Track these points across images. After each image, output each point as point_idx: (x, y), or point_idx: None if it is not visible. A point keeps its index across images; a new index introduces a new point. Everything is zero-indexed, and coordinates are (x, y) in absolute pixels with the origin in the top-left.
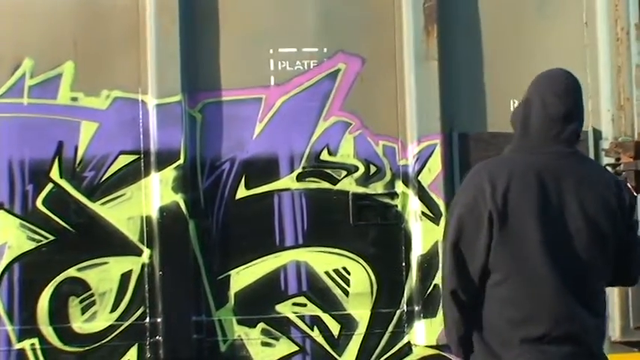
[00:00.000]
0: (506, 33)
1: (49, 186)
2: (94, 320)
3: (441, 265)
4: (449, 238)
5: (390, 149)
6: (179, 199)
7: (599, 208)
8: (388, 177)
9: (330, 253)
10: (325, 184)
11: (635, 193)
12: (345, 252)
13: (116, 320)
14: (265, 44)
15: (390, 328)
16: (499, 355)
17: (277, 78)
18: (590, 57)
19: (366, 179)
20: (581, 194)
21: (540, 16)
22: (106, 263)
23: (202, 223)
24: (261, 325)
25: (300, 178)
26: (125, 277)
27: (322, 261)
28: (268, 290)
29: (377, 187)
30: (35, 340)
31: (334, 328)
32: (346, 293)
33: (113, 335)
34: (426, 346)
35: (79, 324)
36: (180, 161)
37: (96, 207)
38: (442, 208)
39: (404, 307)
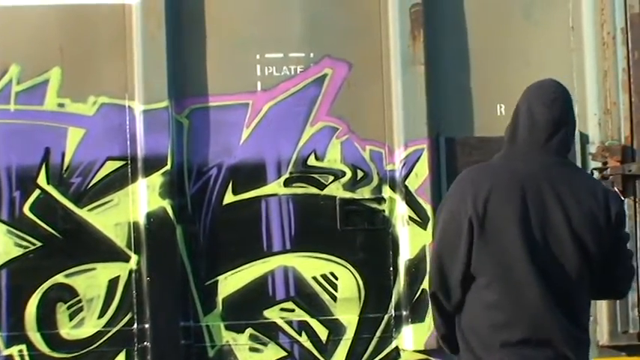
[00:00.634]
0: (493, 37)
1: (36, 192)
2: (81, 326)
3: (429, 271)
4: (434, 244)
5: (377, 154)
6: (166, 204)
7: (584, 220)
8: (375, 182)
9: (317, 258)
10: (312, 190)
11: (622, 198)
12: (333, 257)
13: (104, 326)
14: (252, 50)
15: (378, 333)
16: (481, 358)
17: (264, 83)
18: (576, 61)
19: (353, 184)
20: (565, 204)
21: (527, 21)
22: (93, 269)
23: (190, 228)
24: (249, 331)
25: (287, 183)
26: (113, 283)
27: (310, 266)
28: (256, 296)
29: (364, 192)
30: (23, 347)
31: (322, 333)
32: (334, 298)
33: (101, 341)
34: (414, 351)
35: (67, 330)
36: (168, 167)
37: (83, 213)
38: (429, 212)
39: (392, 311)
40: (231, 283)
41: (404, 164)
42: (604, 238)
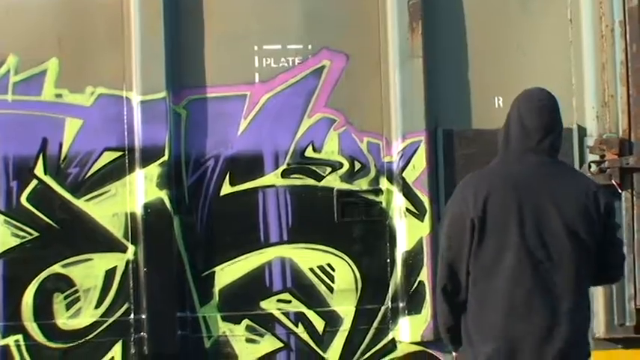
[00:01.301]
0: (490, 30)
1: (34, 182)
2: (78, 316)
3: (438, 268)
4: (441, 245)
5: (375, 146)
6: (164, 195)
7: (576, 214)
8: (373, 174)
9: (314, 249)
10: (310, 181)
11: (620, 191)
12: (330, 248)
13: (101, 316)
14: (250, 41)
15: (375, 325)
16: (478, 347)
17: (262, 75)
18: (574, 54)
19: (350, 176)
20: (558, 200)
21: (525, 13)
22: (90, 260)
23: (187, 219)
24: (245, 322)
25: (284, 174)
26: (110, 274)
27: (307, 257)
28: (253, 287)
29: (361, 184)
30: (19, 337)
31: (319, 324)
32: (331, 290)
33: (98, 331)
34: (411, 343)
35: (64, 320)
36: (165, 158)
37: (80, 203)
38: (427, 204)
39: (388, 303)
40: (227, 274)
41: (401, 156)
42: (596, 228)
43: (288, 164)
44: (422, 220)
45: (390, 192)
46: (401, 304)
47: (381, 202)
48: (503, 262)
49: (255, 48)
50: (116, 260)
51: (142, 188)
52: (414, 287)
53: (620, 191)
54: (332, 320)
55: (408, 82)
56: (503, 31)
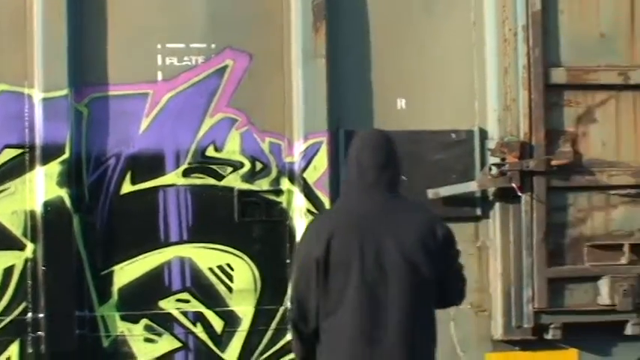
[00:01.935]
0: (394, 31)
1: None
2: None
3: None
4: (292, 288)
5: (277, 146)
6: (64, 193)
7: (415, 245)
8: (274, 174)
9: (214, 249)
10: (211, 180)
11: (520, 194)
12: (230, 248)
13: None
14: (153, 39)
15: (274, 325)
16: None
17: (165, 73)
18: (477, 56)
19: (251, 176)
20: (397, 233)
21: (429, 15)
22: None
23: (87, 218)
24: (144, 321)
25: (185, 173)
26: (8, 272)
27: (206, 257)
28: (152, 286)
29: (262, 184)
30: None
31: (217, 324)
32: (230, 290)
33: None
34: None
35: None
36: (66, 156)
37: None
38: (327, 205)
39: (287, 304)
40: (127, 273)
41: (303, 157)
42: (435, 258)
43: (189, 163)
44: None
45: (290, 192)
46: None
47: (281, 203)
48: (347, 297)
49: (159, 46)
50: (14, 258)
51: (42, 186)
52: None
53: (520, 194)
54: (231, 320)
55: (311, 83)
56: (407, 33)
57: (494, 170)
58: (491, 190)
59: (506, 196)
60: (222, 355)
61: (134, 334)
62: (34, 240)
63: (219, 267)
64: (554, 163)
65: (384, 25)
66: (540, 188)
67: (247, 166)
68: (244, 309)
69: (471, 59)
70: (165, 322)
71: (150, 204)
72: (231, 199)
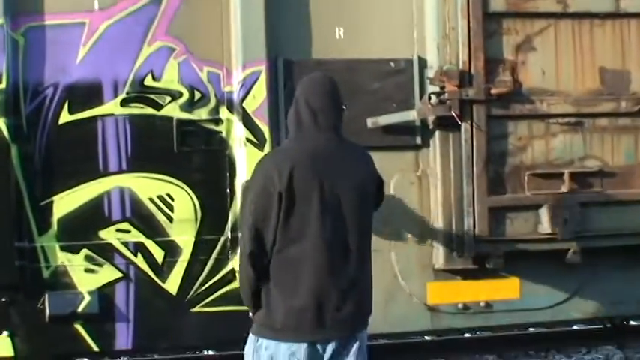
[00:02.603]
0: None
1: None
2: None
3: (240, 238)
4: (247, 220)
5: (215, 75)
6: (1, 123)
7: (365, 177)
8: (213, 103)
9: (154, 179)
10: (149, 110)
11: (460, 122)
12: (170, 178)
13: None
14: None
15: (214, 255)
16: (284, 305)
17: (101, 2)
18: None
19: (190, 105)
20: (350, 172)
21: None
22: None
23: (25, 148)
24: (84, 252)
25: (124, 103)
26: None
27: (146, 187)
28: (92, 216)
29: (201, 114)
30: None
31: (158, 254)
32: (170, 220)
33: None
34: None
35: None
36: (2, 85)
37: None
38: (266, 134)
39: (228, 233)
40: (66, 203)
41: (242, 86)
42: (373, 194)
43: (127, 93)
44: (262, 150)
45: (230, 121)
46: (240, 234)
47: (220, 132)
48: (309, 230)
49: None
50: None
51: None
52: None
53: (459, 123)
54: (171, 250)
55: (249, 11)
56: None
57: (434, 99)
58: (430, 118)
59: (446, 124)
60: (163, 285)
61: (74, 264)
62: None
63: (159, 197)
64: (493, 91)
65: None
66: (480, 117)
67: (186, 95)
68: (185, 239)
69: None
70: (106, 253)
71: (88, 134)
72: (170, 129)
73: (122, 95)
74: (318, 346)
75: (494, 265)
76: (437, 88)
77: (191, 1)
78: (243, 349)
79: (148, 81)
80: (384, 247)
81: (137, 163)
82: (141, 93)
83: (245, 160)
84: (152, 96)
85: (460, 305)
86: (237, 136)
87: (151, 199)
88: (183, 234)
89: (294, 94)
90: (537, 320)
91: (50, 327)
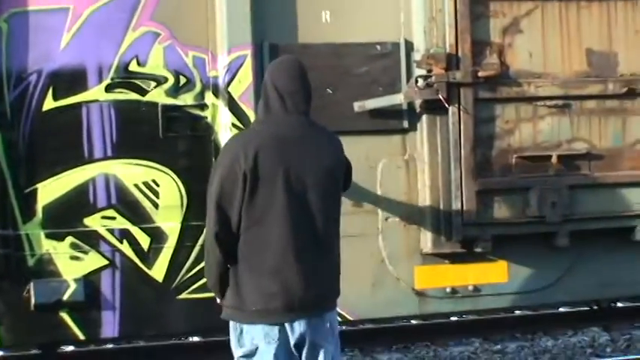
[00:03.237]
0: None
1: None
2: None
3: (207, 219)
4: (213, 199)
5: (200, 60)
6: None
7: (334, 162)
8: (198, 88)
9: (139, 165)
10: (134, 96)
11: (447, 105)
12: (155, 164)
13: None
14: None
15: (200, 242)
16: (253, 287)
17: None
18: None
19: (175, 90)
20: (317, 155)
21: None
22: None
23: (8, 135)
24: (69, 239)
25: (108, 89)
26: None
27: (131, 173)
28: (77, 203)
29: (187, 99)
30: None
31: (144, 241)
32: (156, 206)
33: None
34: None
35: None
36: None
37: None
38: (252, 119)
39: None
40: (51, 190)
41: (227, 70)
42: (341, 178)
43: (112, 79)
44: None
45: (215, 106)
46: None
47: (206, 117)
48: (274, 210)
49: None
50: None
51: None
52: None
53: (447, 106)
54: (157, 237)
55: None
56: None
57: (421, 82)
58: (418, 102)
59: (433, 108)
60: (149, 272)
61: (59, 252)
62: None
63: (145, 183)
64: (481, 74)
65: None
66: (467, 100)
67: (171, 80)
68: (171, 225)
69: None
70: (91, 240)
71: (73, 120)
72: (155, 115)
73: (107, 81)
74: (287, 326)
75: (482, 249)
76: (424, 72)
77: None
78: (228, 335)
79: (133, 66)
80: (372, 231)
81: (122, 150)
82: (126, 79)
83: None
84: (137, 81)
85: (448, 289)
86: (222, 121)
87: (136, 186)
88: (169, 220)
89: None
90: (525, 304)
91: (36, 315)
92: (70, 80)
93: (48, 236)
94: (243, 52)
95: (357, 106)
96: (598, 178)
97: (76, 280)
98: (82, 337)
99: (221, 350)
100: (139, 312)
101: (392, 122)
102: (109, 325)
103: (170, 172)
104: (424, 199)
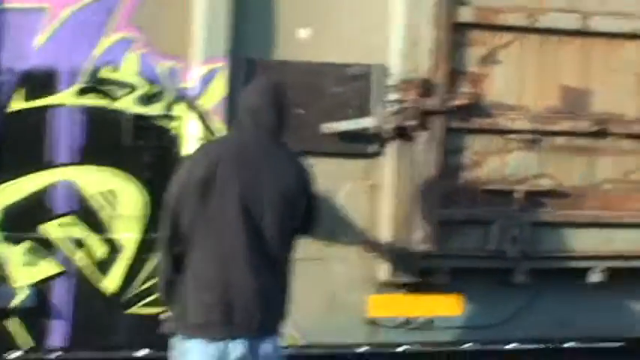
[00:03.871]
0: None
1: None
2: None
3: (160, 221)
4: (169, 202)
5: (174, 70)
6: None
7: (292, 185)
8: (169, 98)
9: (103, 173)
10: (104, 102)
11: (417, 132)
12: (120, 172)
13: None
14: None
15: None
16: (196, 298)
17: None
18: None
19: (146, 99)
20: (277, 173)
21: None
22: None
23: None
24: (25, 245)
25: (79, 93)
26: None
27: (95, 181)
28: (35, 208)
29: (157, 108)
30: None
31: (100, 251)
32: (116, 216)
33: None
34: None
35: None
36: None
37: None
38: (223, 132)
39: None
40: (10, 193)
41: (200, 82)
42: (302, 200)
43: (83, 83)
44: None
45: (185, 118)
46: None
47: (175, 128)
48: (226, 221)
49: None
50: None
51: None
52: None
53: (416, 133)
54: (114, 247)
55: (213, 7)
56: None
57: (392, 107)
58: (387, 127)
59: (403, 134)
60: (103, 283)
61: (14, 257)
62: None
63: (108, 191)
64: (454, 103)
65: None
66: (438, 128)
67: (143, 89)
68: (129, 236)
69: None
70: (47, 247)
71: (40, 123)
72: (124, 122)
73: (78, 85)
74: (227, 345)
75: (440, 281)
76: (396, 97)
77: None
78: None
79: (106, 72)
80: (328, 256)
81: (88, 156)
82: (97, 84)
83: None
84: (108, 87)
85: (401, 319)
86: (190, 133)
87: (99, 194)
88: (129, 231)
89: None
90: (478, 338)
91: None
92: (41, 82)
93: (3, 240)
94: (218, 65)
95: (325, 127)
96: (561, 217)
97: (28, 287)
98: (30, 344)
99: None
100: (89, 322)
101: (359, 146)
102: (58, 334)
103: (135, 181)
104: (385, 226)
